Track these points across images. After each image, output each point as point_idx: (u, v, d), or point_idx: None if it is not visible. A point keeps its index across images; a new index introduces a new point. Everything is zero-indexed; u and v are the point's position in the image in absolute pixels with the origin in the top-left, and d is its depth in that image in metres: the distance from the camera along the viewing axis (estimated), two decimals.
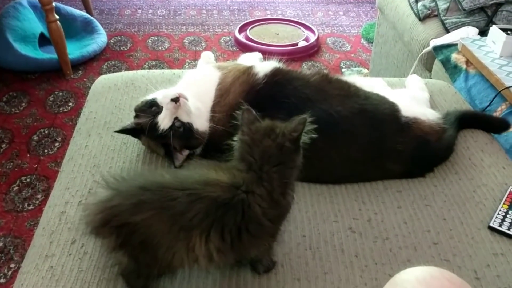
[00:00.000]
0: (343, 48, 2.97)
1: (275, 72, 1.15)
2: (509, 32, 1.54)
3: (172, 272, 0.84)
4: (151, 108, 1.08)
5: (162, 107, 1.07)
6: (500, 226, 1.00)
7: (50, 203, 1.05)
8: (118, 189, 0.79)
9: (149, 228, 0.76)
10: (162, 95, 1.08)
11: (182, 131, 1.07)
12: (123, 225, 0.76)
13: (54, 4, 2.38)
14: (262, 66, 1.18)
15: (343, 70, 2.73)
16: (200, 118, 1.11)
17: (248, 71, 1.17)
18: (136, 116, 1.11)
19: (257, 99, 1.12)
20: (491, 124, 1.31)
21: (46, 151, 2.07)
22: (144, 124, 1.06)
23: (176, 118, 1.07)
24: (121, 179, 0.81)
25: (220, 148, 1.12)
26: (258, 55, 1.41)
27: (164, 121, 1.06)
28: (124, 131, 1.11)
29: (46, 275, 0.88)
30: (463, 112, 1.29)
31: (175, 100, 1.05)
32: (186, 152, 1.12)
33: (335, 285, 0.88)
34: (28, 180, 1.92)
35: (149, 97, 1.11)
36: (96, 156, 1.15)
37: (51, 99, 2.39)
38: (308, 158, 0.94)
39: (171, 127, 1.06)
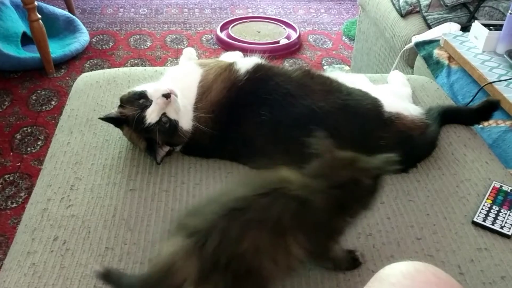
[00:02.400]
0: (325, 45, 2.98)
1: (257, 68, 1.15)
2: (491, 27, 1.56)
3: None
4: (139, 100, 1.06)
5: (152, 100, 1.05)
6: (484, 221, 1.00)
7: (32, 200, 1.04)
8: (206, 229, 0.70)
9: (256, 249, 0.70)
10: (153, 89, 1.07)
11: (168, 128, 1.06)
12: (230, 261, 0.69)
13: (36, 3, 2.35)
14: (244, 63, 1.18)
15: (324, 67, 2.74)
16: (185, 116, 1.10)
17: (229, 68, 1.16)
18: (121, 106, 1.09)
19: (238, 95, 1.12)
20: (473, 116, 1.31)
21: (29, 149, 2.04)
22: (131, 116, 1.05)
23: (163, 114, 1.06)
24: (193, 218, 0.73)
25: (200, 147, 1.12)
26: (239, 54, 1.41)
27: (152, 115, 1.04)
28: (108, 119, 1.09)
29: (28, 272, 0.87)
30: (445, 107, 1.30)
31: (166, 96, 1.04)
32: (166, 149, 1.11)
33: (319, 281, 0.88)
34: (11, 178, 1.89)
35: (138, 88, 1.09)
36: (78, 153, 1.14)
37: (33, 97, 2.36)
38: (291, 154, 0.95)
39: (158, 122, 1.05)
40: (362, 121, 1.10)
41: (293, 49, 2.88)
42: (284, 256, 0.73)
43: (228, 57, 1.38)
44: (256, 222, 0.70)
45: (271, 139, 1.09)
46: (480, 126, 1.37)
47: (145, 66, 2.59)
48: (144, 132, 1.06)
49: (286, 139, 1.08)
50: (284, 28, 3.03)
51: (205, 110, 1.11)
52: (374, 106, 1.13)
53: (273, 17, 3.20)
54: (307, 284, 0.87)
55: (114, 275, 0.75)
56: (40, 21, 2.38)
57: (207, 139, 1.11)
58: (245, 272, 0.70)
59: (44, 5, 2.78)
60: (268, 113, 1.08)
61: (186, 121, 1.10)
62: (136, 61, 2.69)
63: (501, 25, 1.53)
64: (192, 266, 0.68)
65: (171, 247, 0.71)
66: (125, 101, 1.09)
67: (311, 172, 0.80)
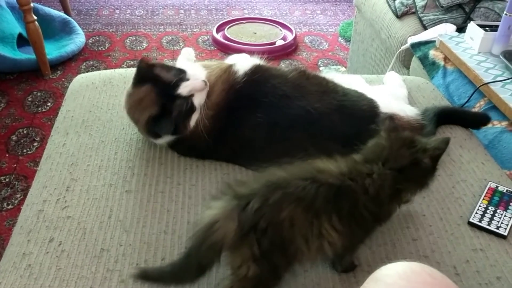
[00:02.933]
0: (321, 47, 2.98)
1: (255, 70, 1.15)
2: (487, 28, 1.56)
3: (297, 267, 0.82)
4: (179, 73, 1.09)
5: (189, 78, 1.08)
6: (480, 221, 1.00)
7: (28, 201, 1.03)
8: (249, 194, 0.75)
9: (291, 222, 0.74)
10: (193, 73, 1.10)
11: (187, 109, 1.08)
12: (267, 227, 0.73)
13: (32, 4, 2.35)
14: (242, 64, 1.18)
15: (320, 68, 2.75)
16: (195, 113, 1.12)
17: (229, 70, 1.17)
18: (152, 67, 1.11)
19: (236, 98, 1.12)
20: (469, 119, 1.33)
21: (25, 150, 2.03)
22: (166, 77, 1.07)
23: (192, 95, 1.08)
24: (239, 186, 0.79)
25: (197, 148, 1.12)
26: (246, 56, 1.41)
27: (185, 88, 1.07)
28: (140, 68, 1.11)
29: (24, 273, 0.86)
30: (441, 108, 1.30)
31: (205, 82, 1.08)
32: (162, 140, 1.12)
33: (315, 283, 0.88)
34: (7, 179, 1.89)
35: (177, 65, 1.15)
36: (74, 155, 1.13)
37: (29, 99, 2.36)
38: (288, 155, 0.95)
39: (185, 98, 1.07)
40: (358, 122, 1.10)
41: (289, 50, 2.88)
42: (315, 237, 0.76)
43: (235, 60, 1.38)
44: (293, 198, 0.75)
45: (268, 141, 1.09)
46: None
47: None
48: (167, 99, 1.06)
49: (282, 140, 1.08)
50: (280, 29, 3.04)
51: (207, 112, 1.11)
52: (370, 107, 1.13)
53: (269, 18, 3.21)
54: (303, 286, 0.87)
55: (152, 271, 0.80)
56: (36, 22, 2.38)
57: (204, 140, 1.11)
58: (279, 242, 0.74)
59: (40, 6, 2.77)
60: (265, 116, 1.08)
61: (194, 117, 1.11)
62: (132, 63, 2.69)
63: (497, 26, 1.53)
64: (232, 225, 0.73)
65: (215, 208, 0.76)
66: (162, 65, 1.11)
67: (366, 156, 0.84)
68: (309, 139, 1.07)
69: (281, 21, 3.14)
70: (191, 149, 1.14)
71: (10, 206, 1.77)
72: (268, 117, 1.08)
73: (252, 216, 0.73)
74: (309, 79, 1.16)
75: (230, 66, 1.18)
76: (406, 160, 0.82)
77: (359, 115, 1.11)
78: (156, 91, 1.07)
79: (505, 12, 1.49)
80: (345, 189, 0.79)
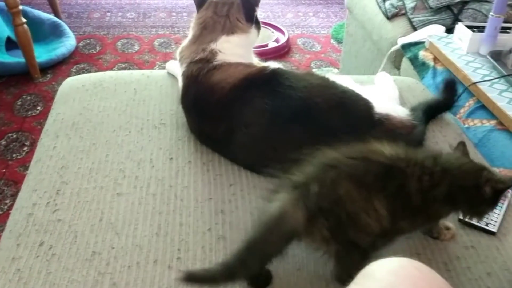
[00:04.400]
0: (313, 49, 2.99)
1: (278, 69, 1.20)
2: (474, 29, 1.58)
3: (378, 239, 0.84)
4: None
5: None
6: (470, 219, 1.01)
7: (17, 205, 1.02)
8: (306, 180, 0.79)
9: (350, 197, 0.78)
10: None
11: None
12: (330, 205, 0.78)
13: (21, 7, 2.33)
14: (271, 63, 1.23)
15: (313, 70, 2.76)
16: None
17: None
18: None
19: (253, 82, 1.14)
20: (445, 100, 1.35)
21: (14, 155, 2.02)
22: None
23: None
24: (294, 175, 0.81)
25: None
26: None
27: None
28: None
29: (13, 278, 0.86)
30: (425, 106, 1.31)
31: None
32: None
33: (308, 281, 0.88)
34: None
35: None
36: (64, 157, 1.13)
37: (19, 103, 2.34)
38: (284, 146, 0.99)
39: None
40: (355, 121, 1.12)
41: (282, 52, 2.89)
42: (372, 211, 0.79)
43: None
44: (345, 175, 0.79)
45: (268, 129, 1.09)
46: (466, 125, 1.38)
47: (133, 70, 2.58)
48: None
49: (281, 130, 1.09)
50: (273, 32, 3.04)
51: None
52: (366, 107, 1.15)
53: (262, 20, 3.20)
54: (296, 284, 0.87)
55: (199, 272, 0.81)
56: (25, 25, 2.36)
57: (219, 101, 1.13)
58: (346, 217, 0.78)
59: (29, 9, 2.75)
60: (271, 102, 1.09)
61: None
62: (124, 65, 2.68)
63: (484, 27, 1.55)
64: (300, 212, 0.77)
65: (279, 200, 0.79)
66: None
67: (430, 155, 0.86)
68: (307, 132, 1.08)
69: (273, 23, 3.15)
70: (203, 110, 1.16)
71: None
72: (273, 105, 1.09)
73: (315, 200, 0.77)
74: (313, 75, 1.20)
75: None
76: (468, 180, 0.84)
77: (356, 114, 1.13)
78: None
79: (491, 13, 1.51)
80: (397, 170, 0.81)
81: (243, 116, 1.10)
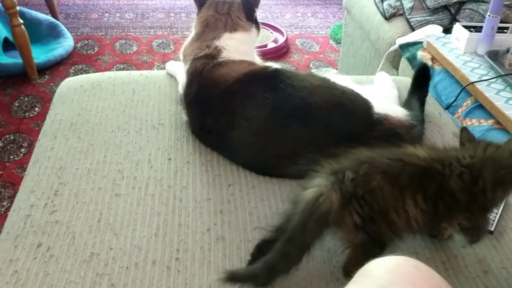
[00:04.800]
0: (312, 49, 2.99)
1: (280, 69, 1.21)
2: (472, 29, 1.59)
3: (396, 238, 0.86)
4: None
5: None
6: None
7: (15, 206, 1.02)
8: (343, 168, 0.82)
9: (381, 192, 0.80)
10: None
11: None
12: (364, 194, 0.80)
13: (18, 8, 2.33)
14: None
15: (312, 70, 2.76)
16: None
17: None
18: None
19: (257, 77, 1.17)
20: (422, 88, 1.35)
21: (12, 157, 2.01)
22: None
23: None
24: (333, 163, 0.85)
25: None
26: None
27: None
28: None
29: (11, 279, 0.85)
30: (418, 104, 1.31)
31: None
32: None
33: (307, 281, 0.88)
34: None
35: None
36: (62, 158, 1.12)
37: (16, 104, 2.34)
38: (281, 143, 1.02)
39: None
40: (353, 120, 1.12)
41: (281, 52, 2.89)
42: (402, 210, 0.82)
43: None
44: (379, 171, 0.82)
45: (267, 123, 1.10)
46: (464, 125, 1.39)
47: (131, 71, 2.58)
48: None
49: (280, 126, 1.09)
50: (271, 32, 3.04)
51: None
52: (365, 107, 1.15)
53: (260, 21, 3.20)
54: (295, 284, 0.87)
55: (241, 271, 0.84)
56: (22, 26, 2.35)
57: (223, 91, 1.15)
58: (378, 208, 0.81)
59: (26, 10, 2.75)
60: (272, 98, 1.10)
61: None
62: (122, 66, 2.68)
63: (481, 27, 1.55)
64: (336, 195, 0.80)
65: (315, 185, 0.82)
66: None
67: (466, 148, 0.90)
68: (305, 129, 1.09)
69: (272, 23, 3.15)
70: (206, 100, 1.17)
71: None
72: (274, 101, 1.10)
73: (350, 185, 0.80)
74: (314, 76, 1.21)
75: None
76: (509, 159, 0.85)
77: (356, 113, 1.13)
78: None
79: (488, 13, 1.51)
80: (432, 171, 0.83)
81: (244, 109, 1.11)
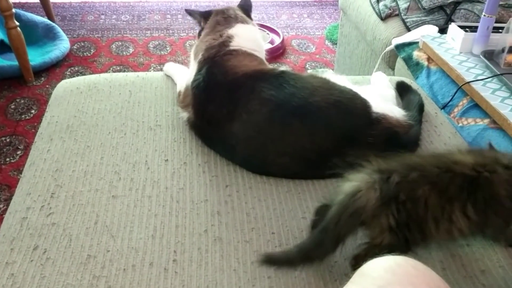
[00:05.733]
0: (308, 50, 3.00)
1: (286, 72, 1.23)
2: (467, 29, 1.59)
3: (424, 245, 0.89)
4: None
5: None
6: None
7: (11, 209, 1.02)
8: (390, 169, 0.83)
9: (425, 201, 0.81)
10: None
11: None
12: (406, 200, 0.80)
13: (14, 10, 2.32)
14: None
15: (308, 71, 2.76)
16: None
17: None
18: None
19: (263, 75, 1.19)
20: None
21: (7, 159, 2.00)
22: None
23: None
24: (380, 162, 0.85)
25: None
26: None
27: None
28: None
29: (7, 283, 0.85)
30: (414, 104, 1.33)
31: None
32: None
33: (306, 281, 0.88)
34: None
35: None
36: (58, 160, 1.12)
37: (12, 106, 2.33)
38: (281, 139, 1.03)
39: None
40: (352, 119, 1.13)
41: (277, 53, 2.89)
42: (446, 221, 0.82)
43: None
44: (428, 181, 0.82)
45: (268, 119, 1.11)
46: (460, 125, 1.39)
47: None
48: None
49: (281, 124, 1.10)
50: (268, 33, 3.05)
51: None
52: (363, 106, 1.16)
53: (257, 22, 3.21)
54: (294, 285, 0.87)
55: (278, 255, 0.87)
56: (18, 28, 2.35)
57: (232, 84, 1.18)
58: (415, 216, 0.81)
59: (22, 12, 2.75)
60: (275, 95, 1.11)
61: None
62: (118, 68, 2.67)
63: (476, 27, 1.56)
64: (374, 194, 0.80)
65: (356, 179, 0.83)
66: None
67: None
68: (305, 127, 1.10)
69: (268, 25, 3.15)
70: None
71: None
72: (277, 98, 1.11)
73: (393, 188, 0.80)
74: (315, 77, 1.23)
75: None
76: None
77: (354, 112, 1.14)
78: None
79: (483, 13, 1.52)
80: (482, 180, 0.83)
81: (248, 102, 1.12)
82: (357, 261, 0.86)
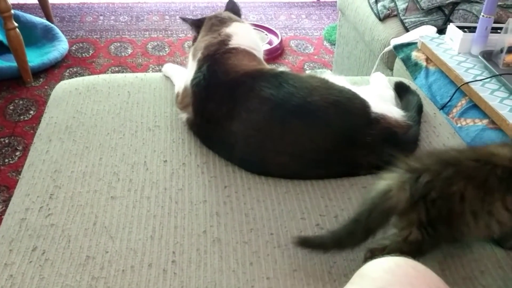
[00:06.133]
0: (306, 50, 3.00)
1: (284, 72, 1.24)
2: (465, 29, 1.59)
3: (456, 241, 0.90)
4: None
5: None
6: None
7: (9, 210, 1.02)
8: (421, 168, 0.83)
9: (461, 197, 0.80)
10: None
11: None
12: (437, 198, 0.81)
13: (12, 11, 2.32)
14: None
15: (307, 71, 2.76)
16: None
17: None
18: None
19: (262, 75, 1.19)
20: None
21: (6, 160, 2.00)
22: None
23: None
24: (413, 160, 0.86)
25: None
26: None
27: None
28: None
29: (6, 284, 0.85)
30: (414, 105, 1.33)
31: None
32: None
33: (304, 282, 0.88)
34: None
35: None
36: (57, 161, 1.12)
37: (11, 107, 2.33)
38: (280, 139, 1.04)
39: None
40: (351, 118, 1.14)
41: (276, 54, 2.89)
42: (485, 214, 0.82)
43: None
44: (465, 176, 0.81)
45: (268, 117, 1.11)
46: (458, 125, 1.39)
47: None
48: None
49: (280, 122, 1.11)
50: (266, 34, 3.05)
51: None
52: (362, 105, 1.16)
53: (255, 23, 3.21)
54: (292, 285, 0.87)
55: (313, 238, 0.91)
56: (17, 29, 2.35)
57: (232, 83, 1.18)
58: (446, 213, 0.81)
59: (21, 13, 2.74)
60: (275, 94, 1.12)
61: None
62: (117, 69, 2.67)
63: (475, 27, 1.56)
64: (405, 193, 0.81)
65: (389, 178, 0.84)
66: None
67: None
68: (304, 127, 1.10)
69: (266, 25, 3.15)
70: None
71: None
72: (277, 97, 1.11)
73: (422, 188, 0.81)
74: (314, 78, 1.23)
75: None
76: None
77: (353, 112, 1.14)
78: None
79: (482, 13, 1.52)
80: None
81: (248, 100, 1.13)
82: (375, 254, 0.86)
